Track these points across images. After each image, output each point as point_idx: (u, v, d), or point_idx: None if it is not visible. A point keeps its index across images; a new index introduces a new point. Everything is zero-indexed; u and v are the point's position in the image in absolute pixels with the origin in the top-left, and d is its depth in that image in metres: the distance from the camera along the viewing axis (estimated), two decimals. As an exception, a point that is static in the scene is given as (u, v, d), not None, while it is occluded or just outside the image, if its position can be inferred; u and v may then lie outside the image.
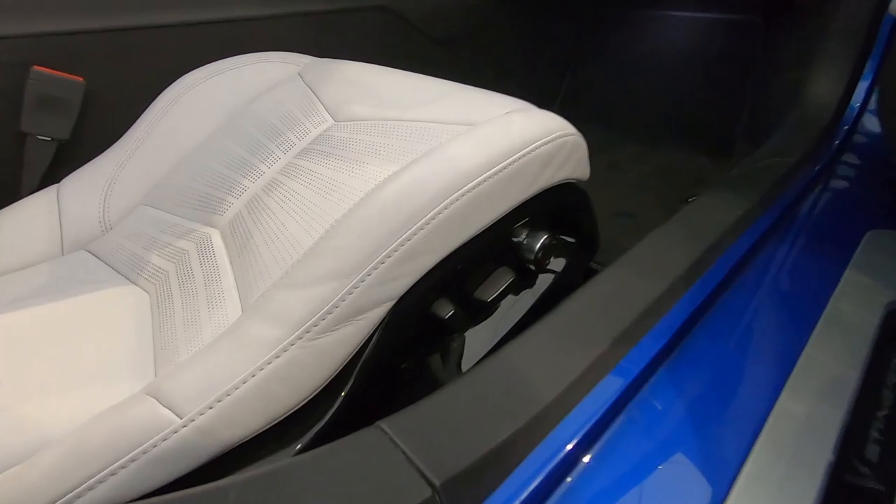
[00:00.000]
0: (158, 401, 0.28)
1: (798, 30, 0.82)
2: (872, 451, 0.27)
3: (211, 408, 0.27)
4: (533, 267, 0.44)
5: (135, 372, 0.39)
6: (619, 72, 1.15)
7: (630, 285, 0.35)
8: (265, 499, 0.18)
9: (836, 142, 0.60)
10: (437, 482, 0.20)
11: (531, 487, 0.22)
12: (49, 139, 0.60)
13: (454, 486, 0.20)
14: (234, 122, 0.63)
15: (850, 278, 0.39)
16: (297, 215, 0.45)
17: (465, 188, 0.34)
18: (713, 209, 0.47)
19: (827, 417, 0.28)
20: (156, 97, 0.65)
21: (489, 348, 0.44)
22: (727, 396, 0.30)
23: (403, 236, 0.31)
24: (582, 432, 0.26)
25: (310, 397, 0.29)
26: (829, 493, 0.23)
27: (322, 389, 0.30)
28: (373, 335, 0.32)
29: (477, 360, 0.43)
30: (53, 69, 0.57)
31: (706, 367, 0.31)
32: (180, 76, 0.67)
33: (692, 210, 0.47)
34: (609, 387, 0.28)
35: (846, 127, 0.62)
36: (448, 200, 0.33)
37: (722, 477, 0.25)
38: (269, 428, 0.28)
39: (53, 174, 0.63)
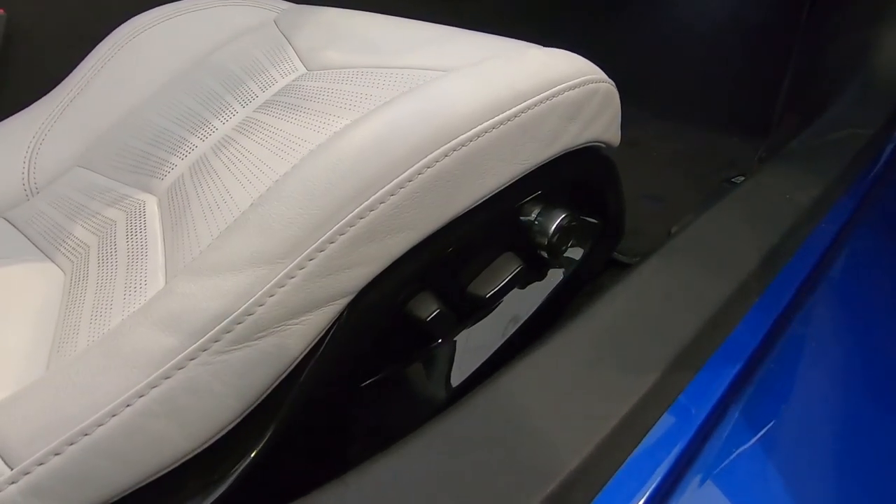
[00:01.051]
0: (-13, 437, 0.19)
1: None
2: None
3: (57, 454, 0.18)
4: (545, 254, 0.34)
5: (17, 380, 0.29)
6: (648, 42, 1.03)
7: (684, 283, 0.25)
8: None
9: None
10: None
11: None
12: (-36, 84, 0.50)
13: None
14: (192, 71, 0.52)
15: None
16: (246, 179, 0.35)
17: (458, 140, 0.24)
18: (780, 188, 0.36)
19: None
20: (100, 39, 0.55)
21: (486, 357, 0.34)
22: (848, 446, 0.20)
23: (365, 205, 0.22)
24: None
25: (214, 439, 0.20)
26: None
27: (235, 427, 0.20)
28: (316, 348, 0.22)
29: (470, 372, 0.33)
30: (-35, -4, 0.47)
31: (808, 401, 0.22)
32: (132, 16, 0.57)
33: (751, 189, 0.37)
34: (665, 437, 0.19)
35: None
36: (433, 156, 0.23)
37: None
38: (147, 485, 0.19)
39: (-29, 127, 0.53)
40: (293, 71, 0.47)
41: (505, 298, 0.34)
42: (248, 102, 0.45)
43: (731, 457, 0.20)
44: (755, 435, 0.21)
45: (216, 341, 0.20)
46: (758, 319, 0.24)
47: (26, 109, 0.52)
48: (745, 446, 0.21)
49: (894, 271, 0.32)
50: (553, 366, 0.20)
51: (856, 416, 0.23)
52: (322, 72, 0.45)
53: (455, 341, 0.31)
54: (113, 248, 0.38)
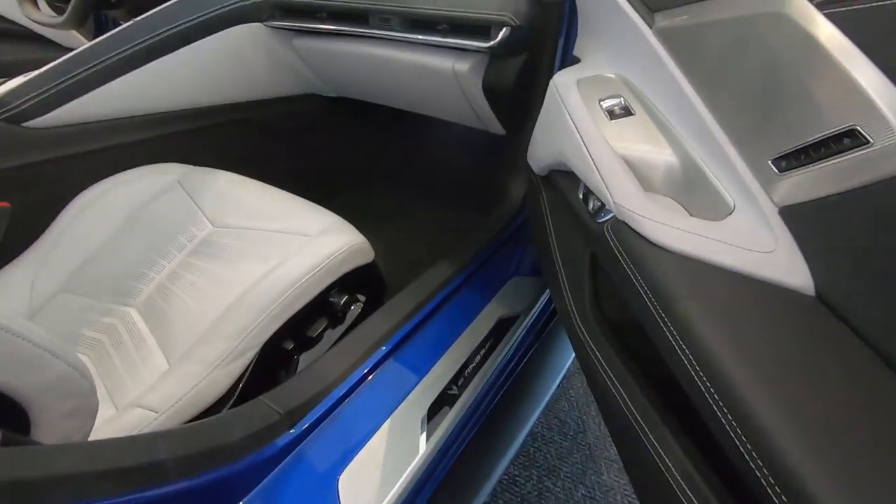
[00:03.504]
0: (140, 407, 0.59)
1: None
2: (462, 379, 0.70)
3: (173, 406, 0.59)
4: (340, 314, 0.81)
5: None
6: (428, 149, 1.59)
7: (381, 320, 0.74)
8: (193, 432, 0.51)
9: (517, 223, 1.08)
10: (282, 411, 0.55)
11: (325, 408, 0.59)
12: (-19, 248, 0.80)
13: (291, 412, 0.56)
14: (132, 225, 0.89)
15: (489, 308, 0.84)
16: (198, 299, 0.75)
17: (294, 287, 0.70)
18: (434, 272, 0.88)
19: (447, 370, 0.70)
20: (62, 208, 0.88)
21: None
22: (420, 363, 0.70)
23: (263, 315, 0.66)
24: (350, 385, 0.63)
25: (219, 397, 0.62)
26: (436, 400, 0.65)
27: (224, 394, 0.63)
28: (250, 365, 0.66)
29: None
30: (-15, 199, 0.78)
31: (415, 353, 0.72)
32: (82, 192, 0.90)
33: (431, 271, 0.89)
34: (368, 363, 0.66)
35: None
36: (285, 296, 0.69)
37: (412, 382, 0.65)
38: (198, 414, 0.60)
39: (-16, 273, 0.82)
40: (205, 227, 0.87)
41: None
42: (181, 249, 0.84)
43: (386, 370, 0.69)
44: (396, 364, 0.70)
45: (217, 366, 0.62)
46: (402, 332, 0.74)
47: (22, 255, 0.83)
48: (394, 365, 0.70)
49: (465, 307, 0.86)
50: (338, 347, 0.67)
51: (427, 357, 0.74)
52: (224, 230, 0.86)
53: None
54: (120, 339, 0.75)
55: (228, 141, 1.19)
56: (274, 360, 0.71)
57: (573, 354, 0.99)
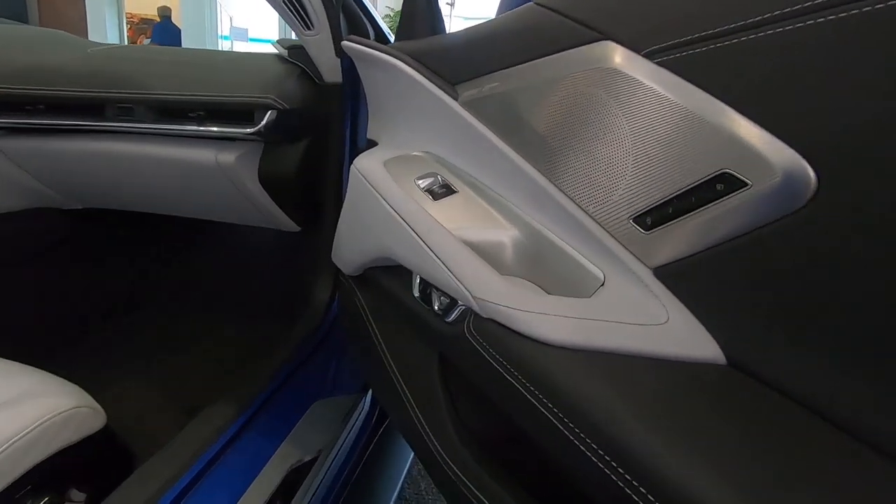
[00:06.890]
0: None
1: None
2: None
3: None
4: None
5: None
6: (212, 257, 1.34)
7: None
8: None
9: (321, 333, 0.90)
10: None
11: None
12: None
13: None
14: None
15: (278, 454, 0.63)
16: None
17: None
18: (205, 418, 0.64)
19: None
20: None
21: None
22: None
23: None
24: None
25: None
26: None
27: None
28: None
29: None
30: None
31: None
32: None
33: (196, 421, 0.64)
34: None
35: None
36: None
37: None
38: None
39: None
40: None
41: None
42: None
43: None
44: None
45: None
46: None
47: None
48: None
49: (265, 437, 0.63)
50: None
51: None
52: None
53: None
54: None
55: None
56: None
57: (394, 495, 0.78)
